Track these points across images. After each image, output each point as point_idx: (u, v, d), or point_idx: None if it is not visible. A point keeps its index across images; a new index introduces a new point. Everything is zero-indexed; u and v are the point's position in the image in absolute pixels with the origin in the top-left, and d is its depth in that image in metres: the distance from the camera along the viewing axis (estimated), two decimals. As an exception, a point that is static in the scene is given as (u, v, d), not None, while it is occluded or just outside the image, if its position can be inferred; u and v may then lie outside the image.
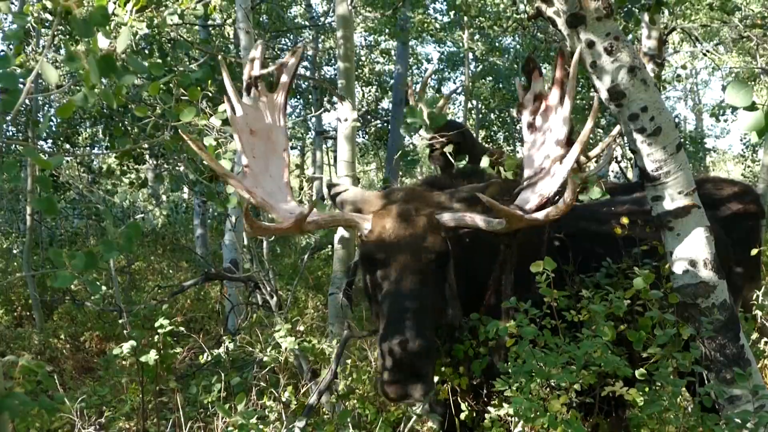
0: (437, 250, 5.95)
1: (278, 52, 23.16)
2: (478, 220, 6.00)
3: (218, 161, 6.60)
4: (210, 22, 18.10)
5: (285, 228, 5.95)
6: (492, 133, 26.43)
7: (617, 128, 6.45)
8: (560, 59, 6.63)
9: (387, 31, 24.57)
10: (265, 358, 8.43)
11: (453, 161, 7.88)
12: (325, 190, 6.86)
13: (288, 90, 6.62)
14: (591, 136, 6.75)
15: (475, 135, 23.45)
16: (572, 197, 5.80)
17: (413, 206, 6.15)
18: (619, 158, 18.94)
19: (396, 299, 5.72)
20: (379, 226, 5.97)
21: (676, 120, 33.46)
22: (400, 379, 5.48)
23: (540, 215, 5.91)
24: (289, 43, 24.31)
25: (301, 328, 10.27)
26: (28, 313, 15.14)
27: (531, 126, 6.85)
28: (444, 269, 6.02)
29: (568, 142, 6.36)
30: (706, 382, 6.37)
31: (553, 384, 5.20)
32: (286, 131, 6.69)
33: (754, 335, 7.38)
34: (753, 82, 24.52)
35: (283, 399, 7.37)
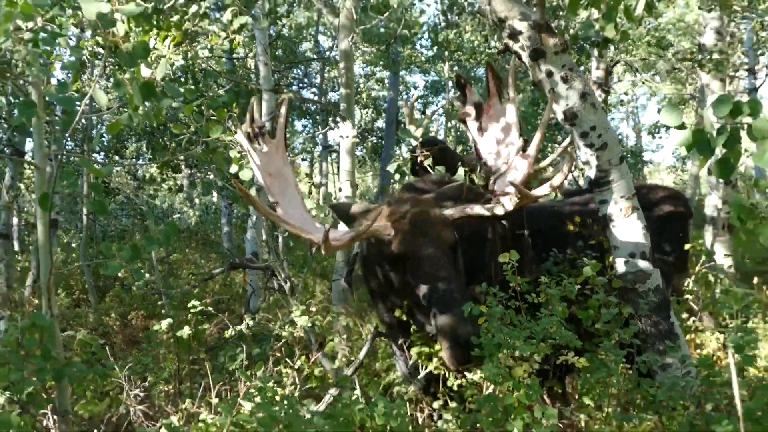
0: (451, 240, 6.03)
1: (291, 81, 23.16)
2: (477, 209, 6.12)
3: (247, 184, 6.63)
4: (234, 55, 18.10)
5: (322, 247, 5.94)
6: (468, 147, 26.45)
7: (567, 140, 6.46)
8: (491, 72, 6.72)
9: (381, 63, 24.65)
10: (284, 333, 8.47)
11: (432, 171, 7.90)
12: (332, 213, 6.85)
13: (285, 135, 6.63)
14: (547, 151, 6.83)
15: (454, 149, 23.55)
16: (561, 180, 5.97)
17: (421, 209, 6.18)
18: (572, 167, 18.89)
19: (440, 286, 5.74)
20: (402, 230, 5.98)
21: (619, 137, 33.38)
22: (464, 352, 5.51)
23: (542, 190, 6.01)
24: (300, 73, 24.31)
25: (314, 309, 10.30)
26: (84, 296, 15.12)
27: (480, 129, 6.94)
28: (456, 256, 6.05)
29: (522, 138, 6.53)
30: (642, 352, 6.40)
31: (517, 354, 5.20)
32: (292, 168, 6.71)
33: (684, 315, 7.39)
34: (683, 106, 24.54)
35: (296, 367, 7.37)
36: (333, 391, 6.41)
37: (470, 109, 6.99)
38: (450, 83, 24.92)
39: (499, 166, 6.68)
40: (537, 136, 6.29)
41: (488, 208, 6.18)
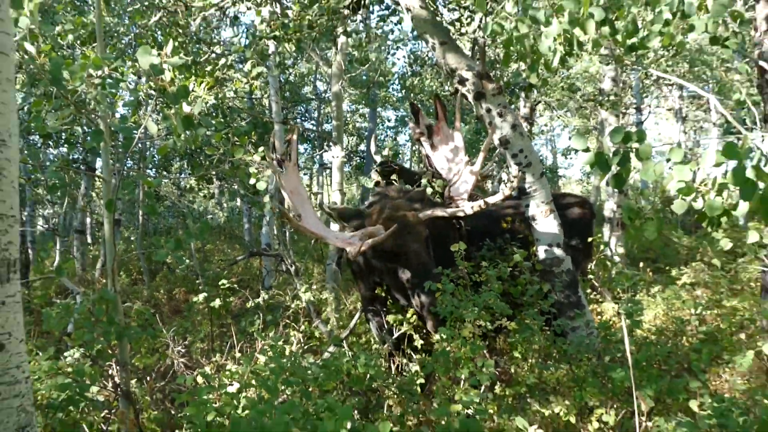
0: (425, 234, 6.05)
1: (296, 115, 23.16)
2: (440, 211, 6.20)
3: (263, 191, 6.61)
4: (253, 96, 18.07)
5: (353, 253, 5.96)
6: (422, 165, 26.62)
7: (487, 140, 6.49)
8: (438, 102, 6.76)
9: (363, 102, 24.64)
10: (291, 305, 8.48)
11: (395, 182, 8.02)
12: (333, 214, 6.84)
13: (296, 157, 6.63)
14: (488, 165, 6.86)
15: (416, 167, 23.56)
16: (509, 192, 6.07)
17: (401, 213, 6.19)
18: (506, 181, 18.94)
19: (423, 274, 5.81)
20: (390, 230, 5.93)
21: (540, 157, 33.41)
22: (443, 324, 5.51)
23: (496, 198, 6.22)
24: (302, 109, 24.32)
25: (315, 286, 10.30)
26: (140, 277, 15.04)
27: (433, 146, 6.95)
28: (428, 247, 6.09)
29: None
30: (557, 318, 6.42)
31: (464, 320, 5.21)
32: (303, 186, 6.69)
33: (588, 290, 7.41)
34: (588, 135, 24.60)
35: (300, 330, 7.35)
36: (331, 349, 6.40)
37: (423, 129, 7.00)
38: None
39: (451, 178, 6.69)
40: (481, 156, 6.32)
41: (450, 211, 6.21)
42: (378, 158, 8.81)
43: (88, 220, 19.27)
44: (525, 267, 6.41)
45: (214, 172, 12.58)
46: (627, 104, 20.29)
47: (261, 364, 5.01)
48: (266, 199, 9.04)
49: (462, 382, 4.87)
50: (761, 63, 6.01)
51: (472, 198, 6.50)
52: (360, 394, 5.22)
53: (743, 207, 3.26)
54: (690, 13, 4.62)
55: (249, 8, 8.62)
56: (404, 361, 6.24)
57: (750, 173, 3.11)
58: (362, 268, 6.56)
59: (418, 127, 7.01)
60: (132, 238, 19.56)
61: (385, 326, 6.60)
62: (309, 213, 6.37)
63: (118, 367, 4.64)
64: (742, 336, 6.67)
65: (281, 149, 6.52)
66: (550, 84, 17.21)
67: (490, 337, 6.37)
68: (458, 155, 6.75)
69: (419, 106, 7.10)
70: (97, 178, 14.89)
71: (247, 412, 3.95)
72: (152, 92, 5.19)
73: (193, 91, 6.85)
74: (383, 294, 6.40)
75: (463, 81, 6.51)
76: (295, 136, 6.68)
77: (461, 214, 6.22)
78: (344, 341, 7.08)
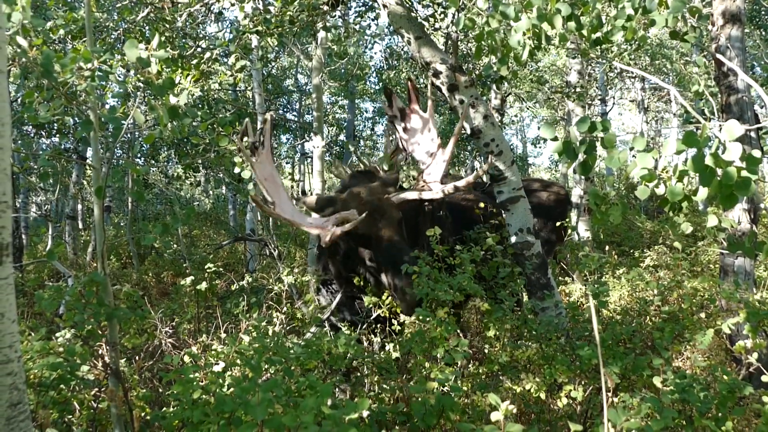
0: (398, 218, 5.97)
1: (278, 106, 23.10)
2: (412, 194, 6.13)
3: (254, 189, 6.58)
4: (237, 88, 18.00)
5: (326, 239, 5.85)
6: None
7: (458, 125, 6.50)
8: (411, 85, 6.70)
9: (342, 94, 24.64)
10: (275, 287, 8.46)
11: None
12: (305, 206, 6.79)
13: (269, 144, 6.56)
14: (461, 155, 6.82)
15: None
16: (474, 179, 6.02)
17: (374, 196, 6.13)
18: (478, 168, 19.10)
19: (395, 257, 5.71)
20: (363, 214, 5.88)
21: (511, 146, 33.53)
22: (412, 306, 5.49)
23: (460, 184, 6.05)
24: (284, 101, 24.27)
25: (296, 270, 10.29)
26: (129, 261, 15.00)
27: (406, 129, 6.88)
28: (401, 229, 5.99)
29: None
30: (528, 299, 6.44)
31: (439, 300, 5.20)
32: (278, 173, 6.65)
33: (557, 272, 7.45)
34: (555, 125, 24.69)
35: (283, 311, 7.34)
36: (313, 330, 6.38)
37: (396, 112, 6.95)
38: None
39: (424, 160, 6.65)
40: (452, 141, 6.25)
41: (423, 195, 6.18)
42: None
43: (80, 206, 19.23)
44: (497, 250, 6.42)
45: (200, 161, 12.55)
46: (592, 96, 20.41)
47: (245, 344, 5.00)
48: (250, 186, 9.02)
49: (438, 361, 4.88)
50: (718, 56, 6.03)
51: (443, 182, 6.47)
52: (340, 372, 5.22)
53: (703, 192, 3.27)
54: (651, 9, 4.63)
55: (233, 4, 8.56)
56: (377, 340, 6.23)
57: (709, 161, 3.12)
58: (333, 250, 6.48)
59: (391, 110, 6.96)
60: (121, 224, 19.54)
61: (359, 309, 6.59)
62: (283, 200, 6.32)
63: (107, 347, 4.62)
64: (702, 315, 6.70)
65: (255, 137, 6.44)
66: (519, 76, 17.30)
67: (463, 316, 6.39)
68: (431, 139, 6.69)
69: (391, 89, 7.04)
70: (87, 167, 14.80)
71: (231, 390, 3.94)
72: (140, 84, 5.16)
73: (179, 83, 6.81)
74: (358, 276, 6.37)
75: (437, 74, 6.49)
76: (268, 125, 6.62)
77: (433, 196, 6.18)
78: (325, 322, 7.05)
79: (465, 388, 4.82)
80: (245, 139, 6.45)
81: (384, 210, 5.98)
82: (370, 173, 6.89)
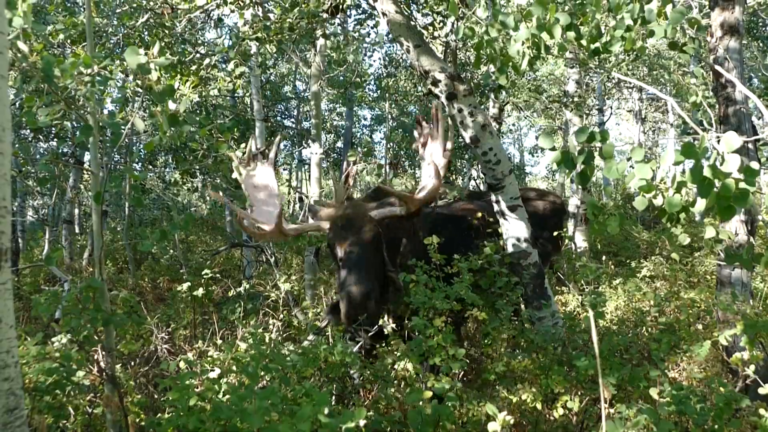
0: (370, 234, 5.92)
1: (276, 113, 23.11)
2: (390, 210, 6.08)
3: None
4: (236, 94, 18.05)
5: (269, 233, 6.09)
6: (400, 160, 26.64)
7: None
8: (435, 112, 6.66)
9: (340, 101, 24.68)
10: (272, 294, 8.48)
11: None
12: (306, 209, 6.92)
13: (275, 158, 6.71)
14: (458, 164, 6.82)
15: (388, 162, 23.70)
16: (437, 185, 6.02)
17: (353, 210, 6.15)
18: (476, 177, 19.01)
19: (347, 265, 5.71)
20: (335, 225, 6.02)
21: (508, 155, 33.57)
22: (350, 310, 5.52)
23: (421, 195, 6.05)
24: (282, 108, 24.29)
25: (294, 277, 10.30)
26: (126, 266, 15.00)
27: (424, 155, 6.89)
28: (374, 246, 5.99)
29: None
30: (524, 308, 6.45)
31: (436, 309, 5.21)
32: (277, 184, 6.74)
33: (553, 281, 7.46)
34: (554, 134, 24.74)
35: (279, 318, 7.34)
36: (311, 338, 6.39)
37: (422, 140, 6.93)
38: (390, 116, 25.00)
39: (427, 177, 6.64)
40: (442, 164, 6.30)
41: (398, 208, 6.17)
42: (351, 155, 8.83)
43: (77, 211, 19.21)
44: (495, 260, 6.43)
45: (197, 167, 12.56)
46: (590, 106, 20.46)
47: (242, 350, 5.00)
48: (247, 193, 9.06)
49: (435, 370, 4.88)
50: (716, 67, 6.04)
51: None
52: (336, 380, 5.21)
53: (701, 204, 3.27)
54: (650, 20, 4.64)
55: (232, 11, 8.58)
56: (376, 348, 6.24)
57: (707, 172, 3.12)
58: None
59: (420, 138, 6.94)
60: (118, 229, 19.48)
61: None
62: (269, 204, 6.52)
63: (103, 353, 4.61)
64: (699, 327, 6.72)
65: (261, 145, 6.54)
66: (518, 86, 17.32)
67: (462, 326, 6.40)
68: (436, 157, 6.66)
69: (422, 117, 7.02)
70: (85, 171, 14.81)
71: (227, 396, 3.94)
72: (139, 90, 5.17)
73: (178, 89, 6.83)
74: None
75: (436, 82, 6.50)
76: (278, 140, 6.80)
77: (402, 212, 6.16)
78: (319, 333, 7.06)
79: (461, 398, 4.82)
80: (250, 145, 6.62)
81: (356, 224, 6.00)
82: (385, 190, 6.90)
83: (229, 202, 6.50)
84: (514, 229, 6.59)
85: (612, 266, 11.20)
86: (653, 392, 4.07)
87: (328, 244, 6.24)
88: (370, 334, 5.99)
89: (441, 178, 6.09)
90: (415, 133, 6.85)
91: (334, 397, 5.11)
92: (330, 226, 6.14)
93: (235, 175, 6.94)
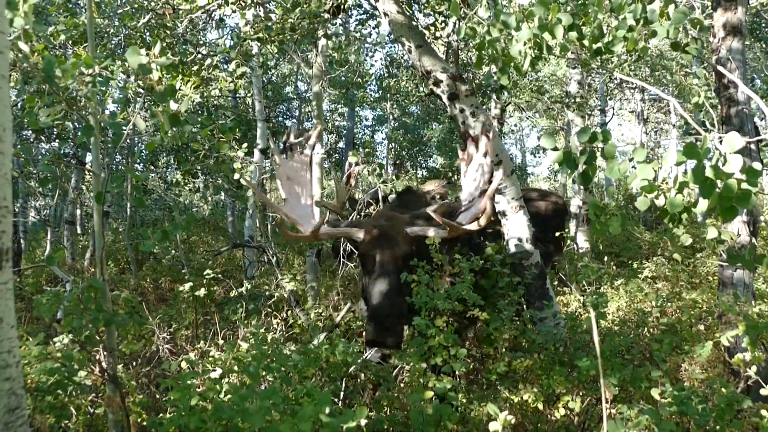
0: (403, 251, 5.82)
1: (278, 113, 23.09)
2: (430, 231, 5.92)
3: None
4: (237, 95, 18.04)
5: (304, 237, 5.97)
6: (402, 160, 26.68)
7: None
8: (470, 139, 6.57)
9: (342, 101, 24.68)
10: (276, 294, 8.48)
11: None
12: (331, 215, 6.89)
13: (312, 153, 6.60)
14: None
15: (392, 163, 23.76)
16: (487, 220, 5.83)
17: (390, 224, 6.07)
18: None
19: (377, 284, 5.64)
20: (369, 237, 5.92)
21: (510, 156, 33.53)
22: (376, 332, 5.47)
23: (471, 227, 5.89)
24: (284, 108, 24.28)
25: (299, 277, 10.32)
26: (127, 266, 14.98)
27: (465, 174, 6.83)
28: (404, 263, 5.82)
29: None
30: (526, 309, 6.44)
31: (438, 309, 5.20)
32: (313, 176, 6.65)
33: (555, 282, 7.45)
34: (555, 135, 24.73)
35: (281, 318, 7.34)
36: (315, 342, 6.38)
37: (465, 157, 6.88)
38: (391, 116, 25.00)
39: (464, 201, 6.55)
40: (487, 196, 6.14)
41: (437, 231, 6.05)
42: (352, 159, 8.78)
43: (78, 211, 19.18)
44: (496, 260, 6.41)
45: (199, 167, 12.56)
46: (592, 106, 20.45)
47: (243, 350, 5.00)
48: (249, 193, 9.04)
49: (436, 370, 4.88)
50: (719, 68, 6.03)
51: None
52: (338, 380, 5.21)
53: (703, 204, 3.26)
54: (653, 20, 4.63)
55: (234, 11, 8.57)
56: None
57: (709, 172, 3.11)
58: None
59: (463, 154, 6.89)
60: (120, 229, 19.48)
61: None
62: (299, 201, 6.39)
63: (105, 353, 4.61)
64: (701, 327, 6.71)
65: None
66: (519, 86, 17.29)
67: (463, 326, 6.38)
68: (474, 179, 6.58)
69: (469, 134, 6.97)
70: (87, 172, 14.79)
71: (229, 397, 3.94)
72: (141, 91, 5.18)
73: (180, 89, 6.83)
74: None
75: (437, 82, 6.50)
76: (315, 134, 6.68)
77: (443, 236, 6.04)
78: (332, 332, 7.04)
79: (462, 398, 4.82)
80: (289, 137, 6.57)
81: (390, 239, 5.93)
82: (415, 193, 6.86)
83: (269, 201, 6.39)
84: (516, 230, 6.59)
85: (614, 267, 11.19)
86: (655, 393, 4.07)
87: (359, 253, 6.13)
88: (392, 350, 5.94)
89: (490, 213, 5.97)
90: (459, 151, 6.80)
91: (341, 396, 5.11)
92: (364, 236, 6.02)
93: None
